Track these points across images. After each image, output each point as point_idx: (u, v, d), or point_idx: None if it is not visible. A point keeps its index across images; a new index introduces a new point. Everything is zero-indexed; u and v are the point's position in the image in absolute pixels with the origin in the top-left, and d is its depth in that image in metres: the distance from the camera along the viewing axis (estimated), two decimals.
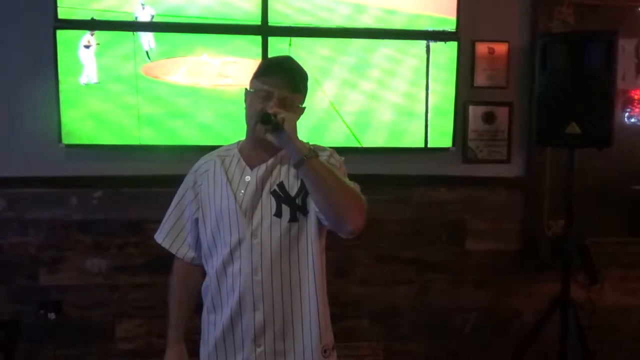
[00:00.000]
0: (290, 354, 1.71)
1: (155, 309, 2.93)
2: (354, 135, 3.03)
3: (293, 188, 1.70)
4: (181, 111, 2.91)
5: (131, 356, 3.00)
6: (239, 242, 1.69)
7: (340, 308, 3.01)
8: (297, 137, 1.60)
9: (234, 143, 1.84)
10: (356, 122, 3.03)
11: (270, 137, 1.62)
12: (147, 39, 2.88)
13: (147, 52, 2.89)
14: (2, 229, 2.89)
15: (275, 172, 1.72)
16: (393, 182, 3.09)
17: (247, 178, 1.72)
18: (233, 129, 2.82)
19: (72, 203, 2.93)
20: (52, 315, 2.88)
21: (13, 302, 2.91)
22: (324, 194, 1.61)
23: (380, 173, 3.04)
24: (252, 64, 2.88)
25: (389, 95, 3.04)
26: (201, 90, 2.92)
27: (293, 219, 1.69)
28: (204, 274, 1.84)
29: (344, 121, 3.02)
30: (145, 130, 2.89)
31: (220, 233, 1.73)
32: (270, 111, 1.59)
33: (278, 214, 1.69)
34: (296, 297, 1.71)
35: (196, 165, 1.85)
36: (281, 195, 1.70)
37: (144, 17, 2.87)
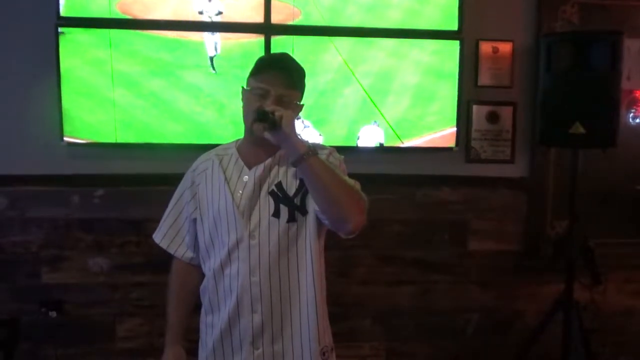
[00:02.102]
0: (288, 356, 1.70)
1: (156, 308, 2.92)
2: (373, 102, 2.82)
3: (291, 188, 1.68)
4: (163, 69, 2.69)
5: (132, 355, 2.99)
6: (237, 243, 1.68)
7: (342, 308, 3.00)
8: (295, 135, 1.58)
9: (232, 142, 1.83)
10: (374, 85, 2.79)
11: (268, 135, 1.59)
12: (212, 41, 2.60)
13: (211, 59, 2.66)
14: (4, 228, 2.89)
15: (273, 172, 1.70)
16: (395, 181, 3.07)
17: (245, 178, 1.70)
18: (226, 93, 2.65)
19: (73, 202, 2.92)
20: (53, 314, 2.88)
21: (14, 300, 2.90)
22: (323, 192, 1.60)
23: (383, 172, 3.02)
24: None
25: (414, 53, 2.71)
26: (188, 44, 2.66)
27: (291, 219, 1.67)
28: (203, 274, 1.83)
29: (360, 84, 2.79)
30: (120, 91, 2.67)
31: (218, 234, 1.71)
32: (267, 109, 1.58)
33: (276, 214, 1.67)
34: (294, 299, 1.69)
35: (194, 164, 1.83)
36: (279, 196, 1.68)
37: (210, 11, 2.67)
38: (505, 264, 3.20)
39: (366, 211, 1.64)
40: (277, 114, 1.56)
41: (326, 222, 1.65)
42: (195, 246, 1.82)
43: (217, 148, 1.84)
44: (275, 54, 1.98)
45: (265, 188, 1.69)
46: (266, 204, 1.68)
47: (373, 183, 2.91)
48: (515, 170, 3.18)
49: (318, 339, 1.71)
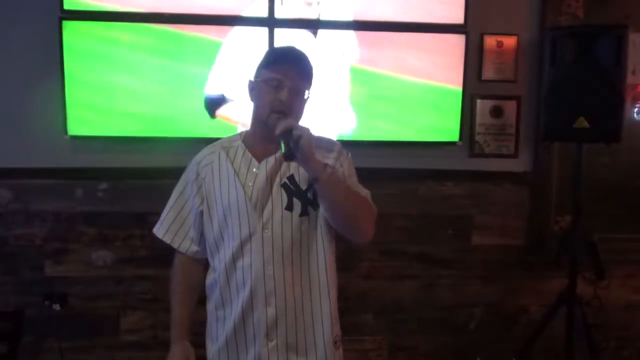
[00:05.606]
0: (302, 347, 1.70)
1: (159, 302, 2.93)
2: None
3: (304, 181, 1.67)
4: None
5: (135, 348, 3.00)
6: (250, 236, 1.67)
7: (345, 302, 2.97)
8: (313, 155, 1.56)
9: (237, 134, 1.81)
10: None
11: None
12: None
13: None
14: (8, 221, 2.90)
15: (284, 165, 1.69)
16: (399, 176, 3.07)
17: (255, 170, 1.69)
18: None
19: (77, 195, 2.93)
20: (57, 307, 2.89)
21: (18, 293, 2.92)
22: (338, 211, 1.63)
23: (387, 167, 3.02)
24: None
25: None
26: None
27: (304, 212, 1.68)
28: (206, 268, 1.82)
29: None
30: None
31: (228, 226, 1.69)
32: (282, 100, 1.59)
33: (289, 207, 1.67)
34: (307, 291, 1.70)
35: (198, 157, 1.80)
36: (292, 189, 1.68)
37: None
38: (508, 258, 3.19)
39: (375, 221, 1.69)
40: (295, 133, 1.53)
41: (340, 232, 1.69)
42: (201, 240, 1.80)
43: (221, 140, 1.81)
44: (284, 47, 1.95)
45: (277, 181, 1.68)
46: (279, 197, 1.67)
47: (376, 177, 2.93)
48: (519, 165, 3.17)
49: (331, 329, 1.72)
